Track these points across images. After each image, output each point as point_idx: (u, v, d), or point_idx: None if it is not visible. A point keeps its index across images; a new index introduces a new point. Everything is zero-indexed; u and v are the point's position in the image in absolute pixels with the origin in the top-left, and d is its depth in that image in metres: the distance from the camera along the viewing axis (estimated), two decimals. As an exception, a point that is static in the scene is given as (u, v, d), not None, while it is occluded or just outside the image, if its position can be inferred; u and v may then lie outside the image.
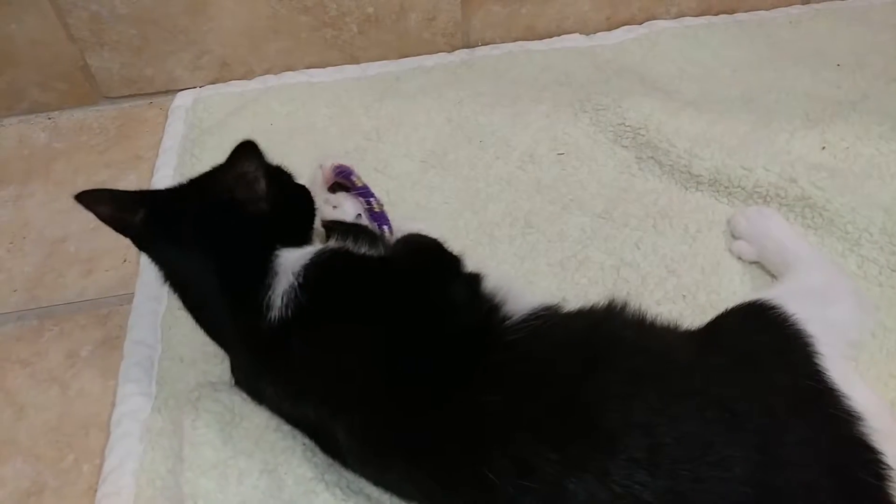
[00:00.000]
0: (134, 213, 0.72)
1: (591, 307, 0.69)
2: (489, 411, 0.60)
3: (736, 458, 0.54)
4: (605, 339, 0.65)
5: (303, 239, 0.75)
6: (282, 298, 0.67)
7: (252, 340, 0.69)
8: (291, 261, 0.69)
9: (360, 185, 0.86)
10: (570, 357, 0.63)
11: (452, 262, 0.76)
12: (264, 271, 0.68)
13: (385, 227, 0.83)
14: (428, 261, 0.77)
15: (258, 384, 0.72)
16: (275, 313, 0.66)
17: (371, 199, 0.84)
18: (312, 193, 0.82)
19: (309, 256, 0.70)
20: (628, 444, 0.55)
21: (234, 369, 0.75)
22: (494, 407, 0.60)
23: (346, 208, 0.86)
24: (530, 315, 0.66)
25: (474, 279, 0.73)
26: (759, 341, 0.65)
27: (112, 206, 0.73)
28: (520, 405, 0.60)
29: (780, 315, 0.66)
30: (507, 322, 0.66)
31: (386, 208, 0.86)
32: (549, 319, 0.66)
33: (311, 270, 0.68)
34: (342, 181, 0.88)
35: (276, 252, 0.70)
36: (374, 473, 0.67)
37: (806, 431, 0.58)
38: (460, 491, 0.60)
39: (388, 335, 0.66)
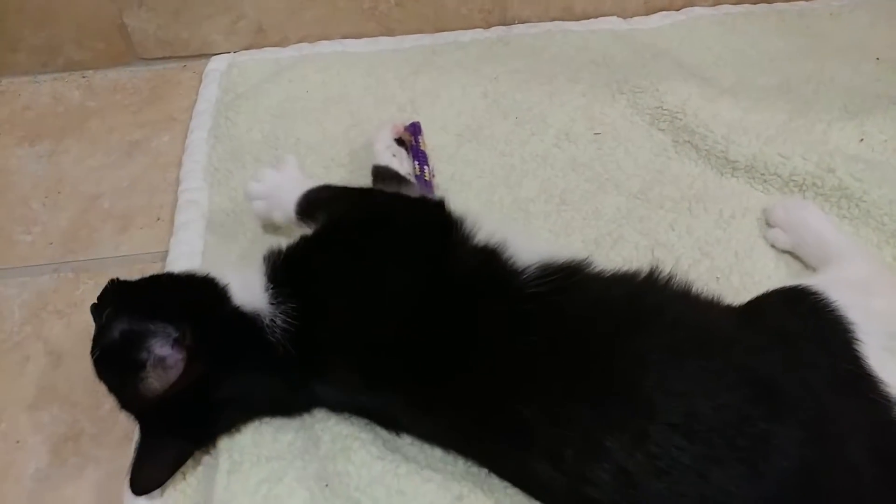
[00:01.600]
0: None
1: (632, 272, 0.69)
2: (521, 359, 0.61)
3: (777, 434, 0.55)
4: (647, 304, 0.66)
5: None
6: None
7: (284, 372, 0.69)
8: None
9: (422, 148, 0.86)
10: (609, 318, 0.64)
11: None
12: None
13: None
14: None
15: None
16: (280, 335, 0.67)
17: (425, 167, 0.85)
18: (376, 138, 0.87)
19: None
20: (667, 409, 0.56)
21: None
22: (526, 356, 0.61)
23: (404, 161, 0.88)
24: (553, 267, 0.66)
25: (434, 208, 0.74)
26: (801, 323, 0.65)
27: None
28: (553, 357, 0.61)
29: (822, 300, 0.66)
30: (526, 271, 0.66)
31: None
32: (577, 274, 0.67)
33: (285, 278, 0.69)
34: (407, 139, 0.89)
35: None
36: (424, 427, 0.68)
37: (847, 412, 0.58)
38: (501, 437, 0.62)
39: (393, 298, 0.67)
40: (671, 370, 0.59)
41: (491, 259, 0.68)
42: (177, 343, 0.63)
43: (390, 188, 0.83)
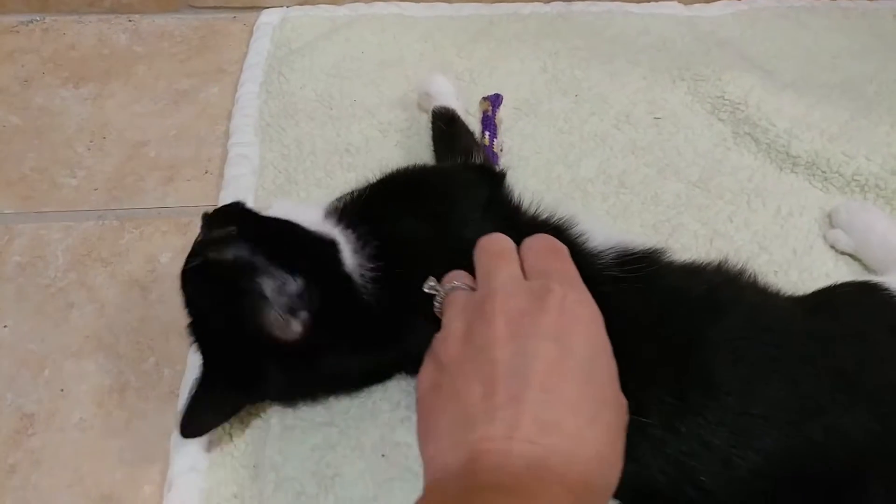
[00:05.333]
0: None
1: (704, 263, 0.69)
2: None
3: (854, 426, 0.54)
4: (723, 294, 0.65)
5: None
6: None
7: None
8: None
9: (496, 120, 0.85)
10: (687, 306, 0.63)
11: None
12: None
13: None
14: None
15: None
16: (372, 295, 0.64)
17: (494, 140, 0.83)
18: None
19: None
20: (745, 397, 0.55)
21: None
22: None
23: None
24: (631, 255, 0.66)
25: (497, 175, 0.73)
26: (874, 317, 0.65)
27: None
28: (630, 341, 0.59)
29: (894, 295, 0.66)
30: (602, 255, 0.65)
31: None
32: (655, 263, 0.66)
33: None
34: (485, 107, 0.88)
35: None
36: None
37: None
38: None
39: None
40: (749, 358, 0.58)
41: (557, 234, 0.66)
42: (302, 300, 0.60)
43: (452, 141, 0.81)
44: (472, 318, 0.52)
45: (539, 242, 0.57)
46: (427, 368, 0.53)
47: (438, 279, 0.59)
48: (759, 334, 0.60)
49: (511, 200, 0.72)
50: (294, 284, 0.60)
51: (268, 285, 0.59)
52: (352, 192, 0.71)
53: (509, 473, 0.42)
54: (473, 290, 0.56)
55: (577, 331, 0.49)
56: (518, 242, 0.62)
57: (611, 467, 0.46)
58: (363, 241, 0.65)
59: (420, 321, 0.61)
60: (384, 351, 0.66)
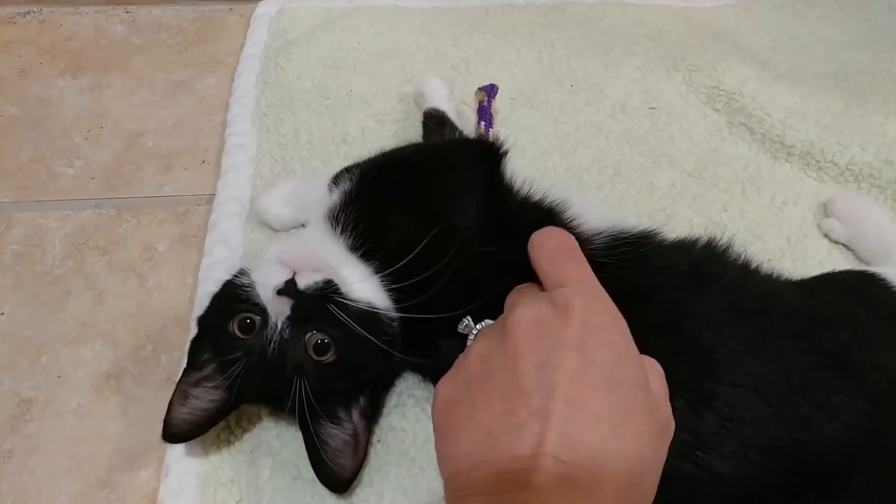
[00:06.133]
0: None
1: (692, 239, 0.69)
2: None
3: (842, 405, 0.55)
4: (708, 268, 0.66)
5: None
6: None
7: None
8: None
9: (492, 110, 0.85)
10: (673, 283, 0.63)
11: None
12: None
13: None
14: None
15: None
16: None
17: (490, 130, 0.83)
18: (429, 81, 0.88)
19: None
20: (732, 369, 0.56)
21: None
22: None
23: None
24: (623, 238, 0.66)
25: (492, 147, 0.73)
26: (868, 303, 0.66)
27: None
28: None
29: (891, 287, 0.66)
30: (594, 239, 0.65)
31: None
32: (645, 245, 0.66)
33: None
34: (480, 97, 0.89)
35: None
36: None
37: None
38: None
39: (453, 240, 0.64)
40: (734, 330, 0.59)
41: (550, 216, 0.67)
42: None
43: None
44: (493, 336, 0.51)
45: (550, 240, 0.55)
46: (445, 386, 0.52)
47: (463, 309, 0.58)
48: (743, 307, 0.61)
49: (505, 180, 0.71)
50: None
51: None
52: (346, 191, 0.70)
53: (536, 491, 0.41)
54: None
55: (600, 340, 0.48)
56: (511, 224, 0.62)
57: (643, 477, 0.44)
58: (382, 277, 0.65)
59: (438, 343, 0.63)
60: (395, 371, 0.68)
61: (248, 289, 0.63)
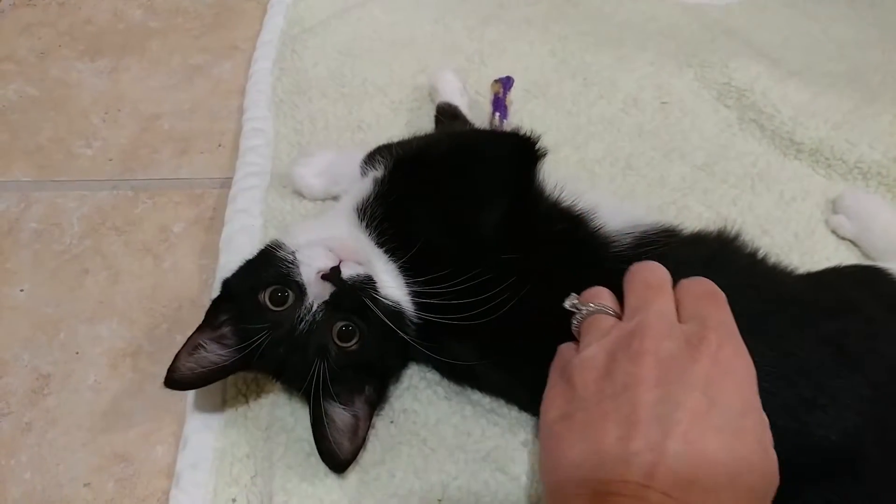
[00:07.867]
0: None
1: (705, 232, 0.71)
2: None
3: (843, 389, 0.56)
4: (719, 258, 0.67)
5: None
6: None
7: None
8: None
9: (506, 102, 0.86)
10: (689, 276, 0.63)
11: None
12: None
13: None
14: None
15: None
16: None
17: (504, 121, 0.85)
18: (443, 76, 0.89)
19: None
20: None
21: None
22: None
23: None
24: (646, 239, 0.66)
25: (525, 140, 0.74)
26: (874, 294, 0.66)
27: None
28: None
29: None
30: (616, 242, 0.66)
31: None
32: (665, 244, 0.67)
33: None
34: (496, 89, 0.90)
35: None
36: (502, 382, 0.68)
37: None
38: None
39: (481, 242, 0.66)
40: (740, 311, 0.58)
41: (578, 226, 0.67)
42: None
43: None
44: (617, 350, 0.50)
45: (697, 286, 0.55)
46: (557, 393, 0.51)
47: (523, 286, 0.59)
48: (744, 289, 0.61)
49: (536, 182, 0.71)
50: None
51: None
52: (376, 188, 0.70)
53: None
54: (617, 314, 0.55)
55: (729, 384, 0.47)
56: (540, 230, 0.64)
57: None
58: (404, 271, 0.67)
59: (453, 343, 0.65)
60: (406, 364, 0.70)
61: (290, 265, 0.64)
